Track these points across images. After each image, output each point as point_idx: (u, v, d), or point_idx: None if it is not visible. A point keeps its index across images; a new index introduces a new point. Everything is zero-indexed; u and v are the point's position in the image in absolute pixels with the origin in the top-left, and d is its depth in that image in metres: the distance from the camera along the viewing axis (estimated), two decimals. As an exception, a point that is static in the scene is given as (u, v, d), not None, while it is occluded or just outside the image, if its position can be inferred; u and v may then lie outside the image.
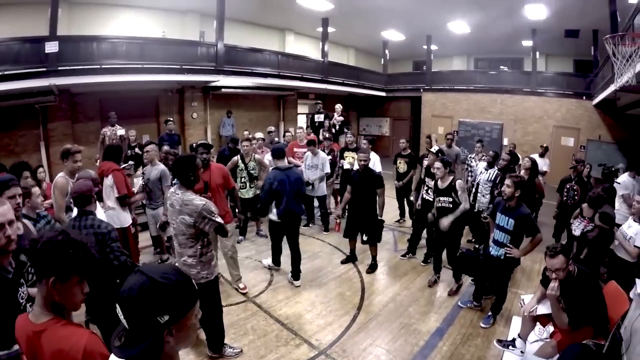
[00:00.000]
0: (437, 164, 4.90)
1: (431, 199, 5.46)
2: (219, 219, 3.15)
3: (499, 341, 3.85)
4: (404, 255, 6.08)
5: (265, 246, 6.04)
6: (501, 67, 17.42)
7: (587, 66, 14.13)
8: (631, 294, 3.58)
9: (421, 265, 5.88)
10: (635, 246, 4.22)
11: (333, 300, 4.76)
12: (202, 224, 3.08)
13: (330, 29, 14.82)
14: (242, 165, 6.22)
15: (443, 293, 5.07)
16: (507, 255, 4.06)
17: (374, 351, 3.82)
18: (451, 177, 4.94)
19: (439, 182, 4.98)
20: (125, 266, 2.92)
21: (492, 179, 5.88)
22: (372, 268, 5.68)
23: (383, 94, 18.51)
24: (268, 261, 5.57)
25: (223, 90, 11.76)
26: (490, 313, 4.38)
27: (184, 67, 9.80)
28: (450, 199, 4.87)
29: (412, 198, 6.90)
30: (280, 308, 4.51)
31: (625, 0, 8.58)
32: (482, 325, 4.28)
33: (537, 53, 14.48)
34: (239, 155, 6.27)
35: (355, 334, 4.07)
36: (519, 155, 7.22)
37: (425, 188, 5.64)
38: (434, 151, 5.59)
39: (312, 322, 4.22)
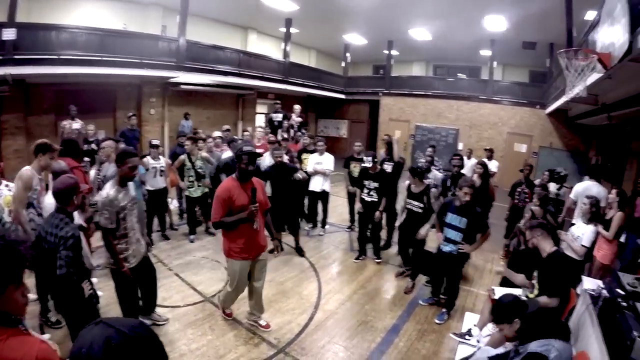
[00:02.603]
0: (411, 178, 5.28)
1: (375, 199, 5.69)
2: (99, 217, 3.22)
3: (455, 333, 4.00)
4: (357, 259, 6.15)
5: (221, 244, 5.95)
6: (459, 74, 18.02)
7: (542, 77, 14.86)
8: (578, 290, 3.85)
9: (375, 263, 6.02)
10: (582, 245, 4.50)
11: (291, 300, 4.77)
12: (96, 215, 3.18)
13: (293, 30, 14.86)
14: (189, 163, 6.22)
15: (398, 291, 5.21)
16: (460, 251, 4.30)
17: (332, 348, 3.86)
18: (426, 184, 5.28)
19: (412, 187, 5.27)
20: (65, 280, 2.72)
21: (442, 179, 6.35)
22: (300, 252, 6.14)
23: (342, 96, 18.75)
24: None
25: (182, 86, 11.54)
26: (444, 310, 4.54)
27: (144, 61, 9.55)
28: (422, 205, 5.16)
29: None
30: (238, 307, 4.43)
31: (581, 17, 9.13)
32: (437, 321, 4.44)
33: (495, 63, 15.11)
34: (185, 154, 6.25)
35: (314, 332, 4.11)
36: (463, 157, 7.42)
37: (366, 190, 5.76)
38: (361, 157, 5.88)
39: (270, 320, 4.19)
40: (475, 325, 3.76)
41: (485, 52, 15.14)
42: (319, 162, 6.84)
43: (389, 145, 6.75)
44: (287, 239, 6.41)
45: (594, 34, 5.27)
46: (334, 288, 5.20)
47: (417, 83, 17.10)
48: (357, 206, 5.99)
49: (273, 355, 3.67)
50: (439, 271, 4.66)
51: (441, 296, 4.79)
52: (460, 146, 14.88)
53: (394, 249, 6.49)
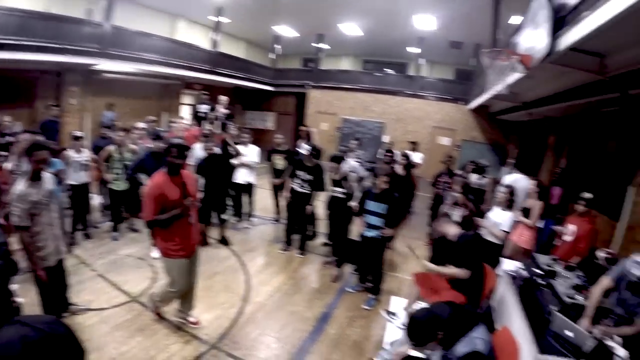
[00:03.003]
0: (330, 164, 5.49)
1: (308, 192, 5.77)
2: (11, 215, 3.11)
3: (386, 310, 4.24)
4: (283, 250, 6.21)
5: (145, 241, 5.81)
6: (387, 69, 18.59)
7: (467, 75, 15.77)
8: (499, 271, 4.23)
9: (299, 255, 6.13)
10: (502, 230, 4.91)
11: (219, 294, 4.72)
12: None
13: (224, 19, 14.56)
14: (118, 155, 5.93)
15: (326, 280, 5.36)
16: (383, 234, 4.60)
17: (265, 340, 3.91)
18: (344, 170, 5.53)
19: (333, 174, 5.52)
20: None
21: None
22: (225, 242, 6.22)
23: (271, 88, 18.57)
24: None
25: (105, 75, 10.91)
26: (371, 295, 4.78)
27: (65, 47, 8.88)
28: (345, 190, 5.40)
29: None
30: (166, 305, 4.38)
31: (506, 21, 9.80)
32: (365, 307, 4.65)
33: (423, 60, 15.80)
34: (115, 146, 5.95)
35: (245, 325, 4.13)
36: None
37: (299, 181, 5.79)
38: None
39: (199, 316, 4.13)
40: (404, 310, 4.02)
41: (414, 50, 15.64)
42: (244, 154, 6.78)
43: (308, 135, 7.08)
44: (212, 232, 6.31)
45: (517, 37, 5.69)
46: (262, 280, 5.23)
47: (346, 77, 17.37)
48: (285, 195, 6.01)
49: (205, 352, 3.64)
50: (364, 258, 4.88)
51: (368, 283, 5.00)
52: (385, 139, 15.25)
53: (320, 239, 6.60)
